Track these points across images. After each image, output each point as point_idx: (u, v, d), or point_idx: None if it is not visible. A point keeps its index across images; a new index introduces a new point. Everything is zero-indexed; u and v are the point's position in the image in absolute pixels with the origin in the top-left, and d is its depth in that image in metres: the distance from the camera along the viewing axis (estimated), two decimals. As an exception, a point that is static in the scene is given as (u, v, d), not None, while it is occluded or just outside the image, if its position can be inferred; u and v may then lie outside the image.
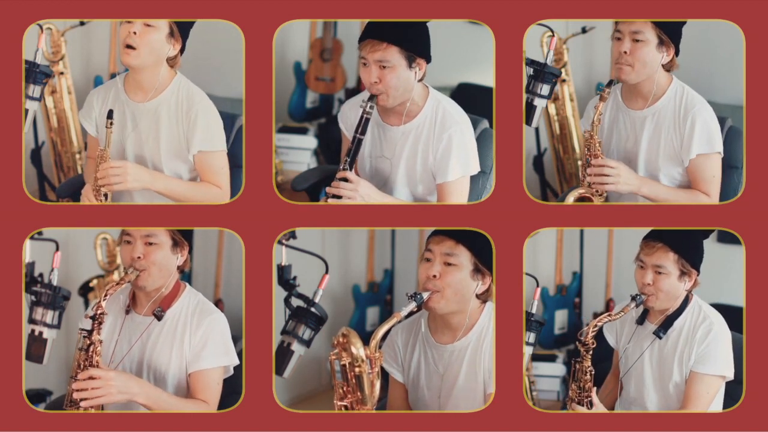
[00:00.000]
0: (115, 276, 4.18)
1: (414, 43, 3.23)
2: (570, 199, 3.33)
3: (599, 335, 3.28)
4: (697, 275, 3.14)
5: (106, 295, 3.02)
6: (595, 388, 3.10)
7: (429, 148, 3.33)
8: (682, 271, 3.12)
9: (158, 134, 3.32)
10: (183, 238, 3.13)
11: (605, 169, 3.30)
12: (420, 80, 3.29)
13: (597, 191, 3.32)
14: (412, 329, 3.19)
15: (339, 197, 3.24)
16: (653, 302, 3.14)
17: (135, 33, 3.21)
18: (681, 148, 3.31)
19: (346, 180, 3.24)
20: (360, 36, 3.25)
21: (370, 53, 3.22)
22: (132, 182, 3.24)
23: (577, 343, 3.11)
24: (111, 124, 3.25)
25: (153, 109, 3.32)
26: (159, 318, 3.11)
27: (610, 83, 3.33)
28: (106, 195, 3.25)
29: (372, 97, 3.27)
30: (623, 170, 3.31)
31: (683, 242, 3.11)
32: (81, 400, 2.98)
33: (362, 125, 3.28)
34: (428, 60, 3.28)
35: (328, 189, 3.27)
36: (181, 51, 3.31)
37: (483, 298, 3.09)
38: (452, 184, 3.32)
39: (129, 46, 3.22)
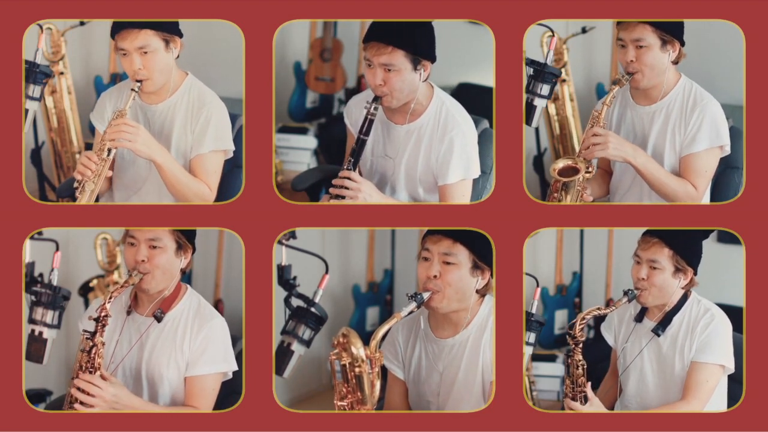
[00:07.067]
0: (115, 276, 4.19)
1: (419, 46, 3.22)
2: (559, 164, 3.29)
3: (599, 334, 3.29)
4: (694, 274, 3.14)
5: (110, 298, 3.02)
6: (589, 383, 3.10)
7: (431, 149, 3.33)
8: (677, 268, 3.11)
9: (170, 134, 3.33)
10: (187, 242, 3.13)
11: (591, 136, 3.28)
12: (424, 80, 3.30)
13: (585, 158, 3.28)
14: (413, 326, 3.19)
15: (342, 197, 3.24)
16: (646, 297, 3.13)
17: (140, 69, 3.22)
18: (685, 139, 3.31)
19: (349, 179, 3.25)
20: (365, 36, 3.24)
21: (375, 56, 3.22)
22: (141, 145, 3.22)
23: (567, 336, 3.12)
24: (140, 88, 3.25)
25: (165, 111, 3.33)
26: (159, 320, 3.10)
27: (629, 74, 3.30)
28: (109, 151, 3.22)
29: (377, 98, 3.27)
30: (612, 137, 3.28)
31: (679, 239, 3.11)
32: (79, 401, 2.99)
33: (366, 126, 3.28)
34: (433, 61, 3.29)
35: (331, 190, 3.27)
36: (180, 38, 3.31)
37: (482, 292, 3.09)
38: (453, 186, 3.32)
39: (140, 80, 3.26)
